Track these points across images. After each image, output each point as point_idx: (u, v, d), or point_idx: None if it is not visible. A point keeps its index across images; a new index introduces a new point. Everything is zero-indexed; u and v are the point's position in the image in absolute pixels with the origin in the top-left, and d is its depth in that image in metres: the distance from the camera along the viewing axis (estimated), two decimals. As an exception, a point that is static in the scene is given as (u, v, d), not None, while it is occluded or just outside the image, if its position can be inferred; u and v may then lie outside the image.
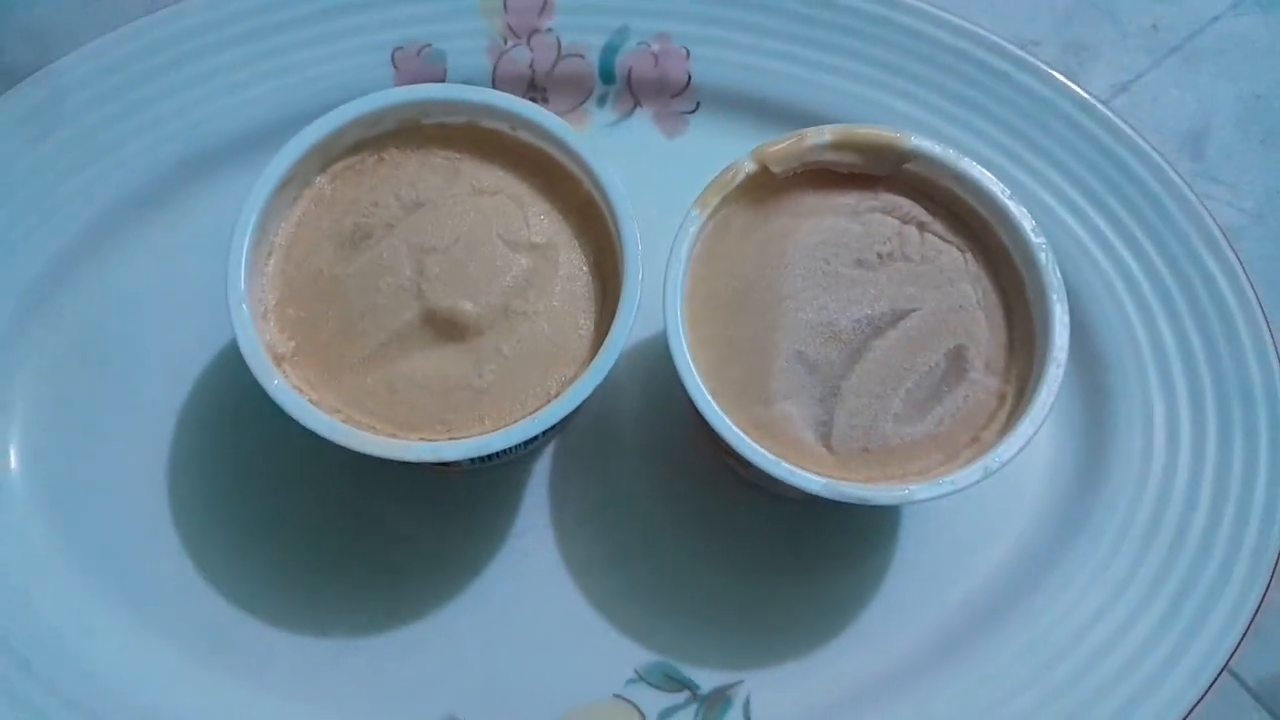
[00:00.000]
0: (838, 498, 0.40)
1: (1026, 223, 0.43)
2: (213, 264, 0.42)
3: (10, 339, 0.48)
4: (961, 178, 0.44)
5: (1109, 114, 0.52)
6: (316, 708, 0.44)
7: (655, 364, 0.47)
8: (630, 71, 0.54)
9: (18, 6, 0.56)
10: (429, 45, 0.53)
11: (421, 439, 0.41)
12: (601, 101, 0.54)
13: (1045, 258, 0.43)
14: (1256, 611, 0.46)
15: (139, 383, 0.48)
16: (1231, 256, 0.50)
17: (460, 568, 0.47)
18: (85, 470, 0.47)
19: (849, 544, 0.48)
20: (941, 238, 0.45)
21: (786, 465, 0.40)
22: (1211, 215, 0.51)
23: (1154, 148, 0.52)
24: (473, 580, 0.46)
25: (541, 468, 0.48)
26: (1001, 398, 0.43)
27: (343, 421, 0.40)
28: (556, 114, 0.45)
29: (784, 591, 0.47)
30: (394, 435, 0.41)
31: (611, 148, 0.46)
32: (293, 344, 0.42)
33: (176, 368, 0.49)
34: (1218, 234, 0.50)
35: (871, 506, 0.47)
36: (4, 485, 0.47)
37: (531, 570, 0.47)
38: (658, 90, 0.54)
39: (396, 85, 0.51)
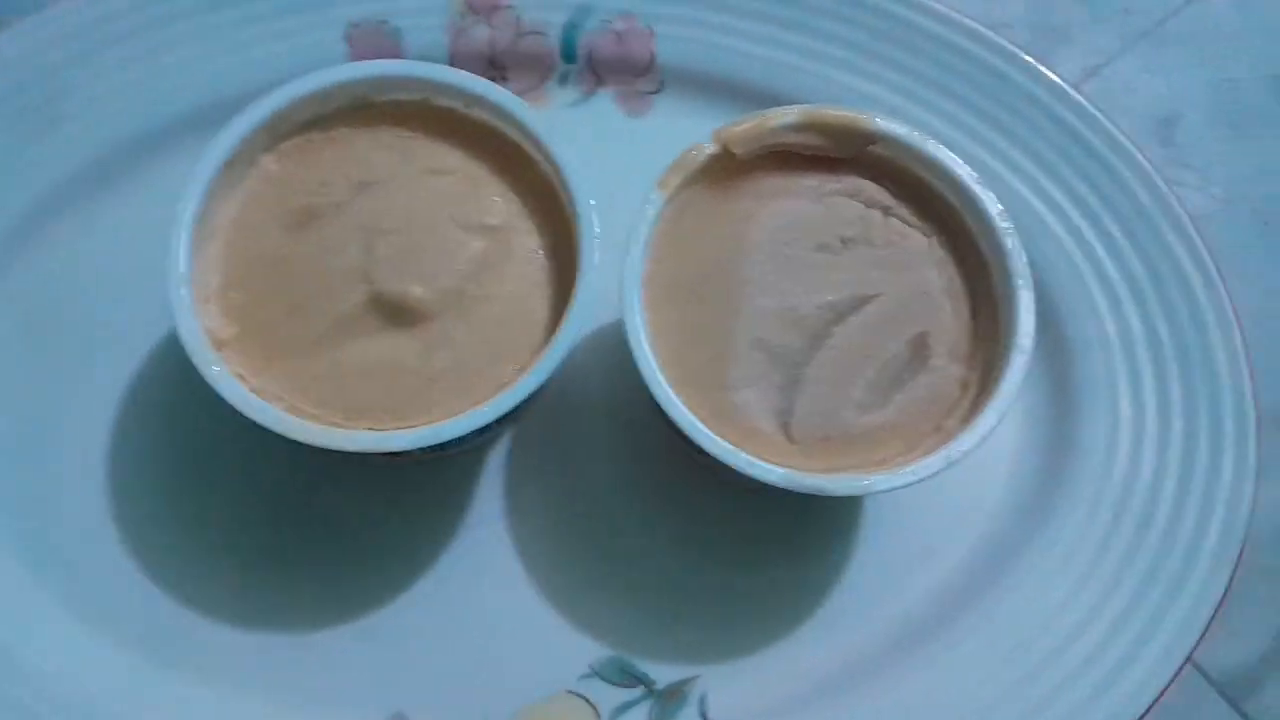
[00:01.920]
0: (797, 489, 0.39)
1: (993, 208, 0.43)
2: (158, 245, 0.41)
3: None
4: (928, 161, 0.43)
5: (1079, 98, 0.52)
6: (262, 704, 0.43)
7: (616, 350, 0.46)
8: (592, 50, 0.52)
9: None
10: (385, 22, 0.51)
11: (369, 428, 0.39)
12: (563, 80, 0.53)
13: (1012, 243, 0.42)
14: (1220, 603, 0.46)
15: (81, 366, 0.47)
16: (1199, 244, 0.50)
17: (411, 560, 0.46)
18: (23, 457, 0.46)
19: (810, 535, 0.47)
20: (906, 222, 0.44)
21: (745, 455, 0.39)
22: (1180, 201, 0.51)
23: (1124, 133, 0.51)
24: (424, 573, 0.45)
25: (497, 457, 0.47)
26: (965, 386, 0.42)
27: (286, 410, 0.39)
28: (516, 93, 0.43)
29: (743, 583, 0.46)
30: (339, 424, 0.39)
31: (572, 128, 0.45)
32: (235, 329, 0.40)
33: (121, 352, 0.47)
34: (1186, 221, 0.50)
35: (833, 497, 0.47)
36: None
37: (485, 563, 0.45)
38: (620, 69, 0.53)
39: (352, 61, 0.50)
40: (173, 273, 0.39)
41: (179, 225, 0.40)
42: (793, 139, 0.44)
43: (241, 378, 0.39)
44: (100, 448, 0.46)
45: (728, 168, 0.44)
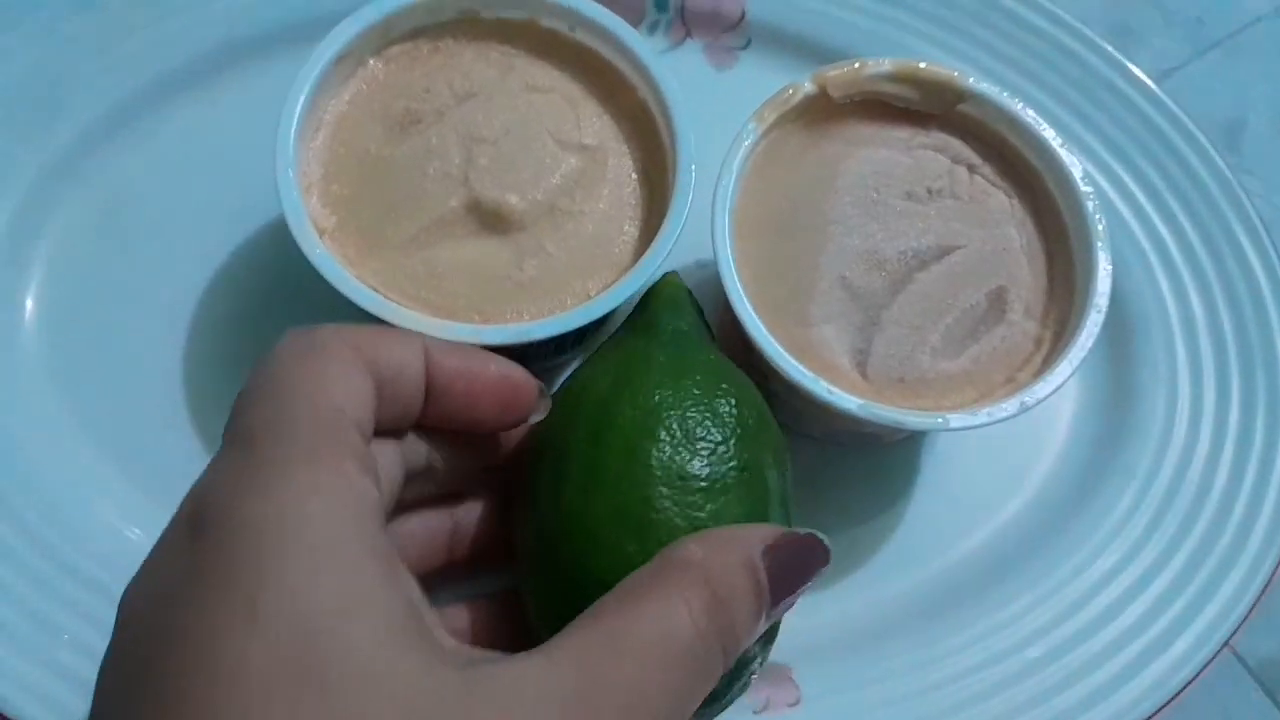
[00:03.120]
0: (874, 419, 0.39)
1: (1076, 171, 0.43)
2: (249, 145, 0.41)
3: (39, 196, 0.47)
4: (1014, 122, 0.44)
5: (1160, 93, 0.53)
6: None
7: (693, 283, 0.47)
8: (685, 2, 0.53)
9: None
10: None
11: (456, 323, 0.40)
12: (653, 29, 0.54)
13: (1092, 206, 0.43)
14: (1264, 590, 0.46)
15: (163, 253, 0.47)
16: (1269, 245, 0.50)
17: None
18: (99, 335, 0.46)
19: (864, 488, 0.48)
20: (990, 181, 0.45)
21: (825, 383, 0.40)
22: (1251, 200, 0.52)
23: (1197, 127, 0.53)
24: None
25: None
26: (1039, 342, 0.43)
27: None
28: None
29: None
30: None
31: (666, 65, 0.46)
32: (335, 219, 0.41)
33: (204, 241, 0.48)
34: (1257, 222, 0.51)
35: (893, 449, 0.48)
36: (17, 344, 0.46)
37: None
38: (711, 23, 0.54)
39: None
40: (282, 156, 0.40)
41: (289, 113, 0.40)
42: (886, 89, 0.45)
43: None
44: (174, 334, 0.47)
45: (822, 110, 0.44)
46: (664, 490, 0.34)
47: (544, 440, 0.37)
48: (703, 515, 0.34)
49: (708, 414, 0.36)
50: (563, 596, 0.34)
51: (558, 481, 0.35)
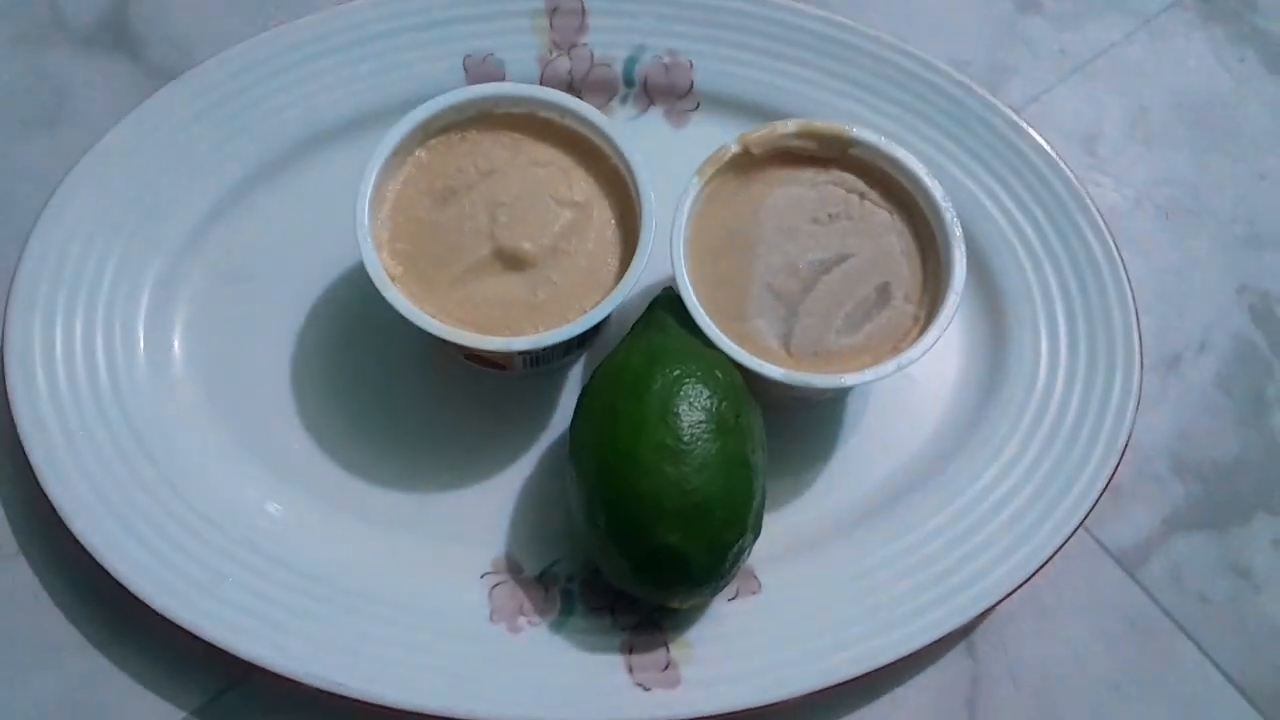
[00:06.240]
0: (794, 383, 0.54)
1: (938, 192, 0.58)
2: (330, 215, 0.58)
3: (174, 269, 0.61)
4: (892, 160, 0.59)
5: (1015, 117, 0.66)
6: (395, 536, 0.58)
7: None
8: (646, 78, 0.68)
9: (165, 20, 0.71)
10: (492, 54, 0.67)
11: (493, 337, 0.55)
12: (624, 100, 0.68)
13: (950, 217, 0.57)
14: (1107, 485, 0.59)
15: (273, 299, 0.62)
16: (1101, 223, 0.63)
17: (513, 446, 0.61)
18: (231, 364, 0.61)
19: (803, 436, 0.61)
20: (876, 204, 0.59)
21: (758, 360, 0.55)
22: (1091, 196, 0.66)
23: (1049, 144, 0.65)
24: (523, 456, 0.60)
25: (574, 375, 0.63)
26: (916, 319, 0.57)
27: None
28: (590, 108, 0.59)
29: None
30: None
31: (631, 136, 0.57)
32: (401, 269, 0.57)
33: (302, 289, 0.62)
34: (1091, 206, 0.64)
35: (822, 406, 0.63)
36: (171, 374, 0.60)
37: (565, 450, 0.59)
38: (667, 92, 0.67)
39: (468, 84, 0.66)
40: (360, 226, 0.55)
41: (362, 193, 0.55)
42: (794, 143, 0.59)
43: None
44: (287, 358, 0.61)
45: (748, 162, 0.59)
46: (685, 431, 0.51)
47: (592, 400, 0.54)
48: (712, 447, 0.51)
49: (710, 380, 0.52)
50: (620, 506, 0.51)
51: (610, 427, 0.52)
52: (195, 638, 0.54)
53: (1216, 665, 0.60)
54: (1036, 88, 0.73)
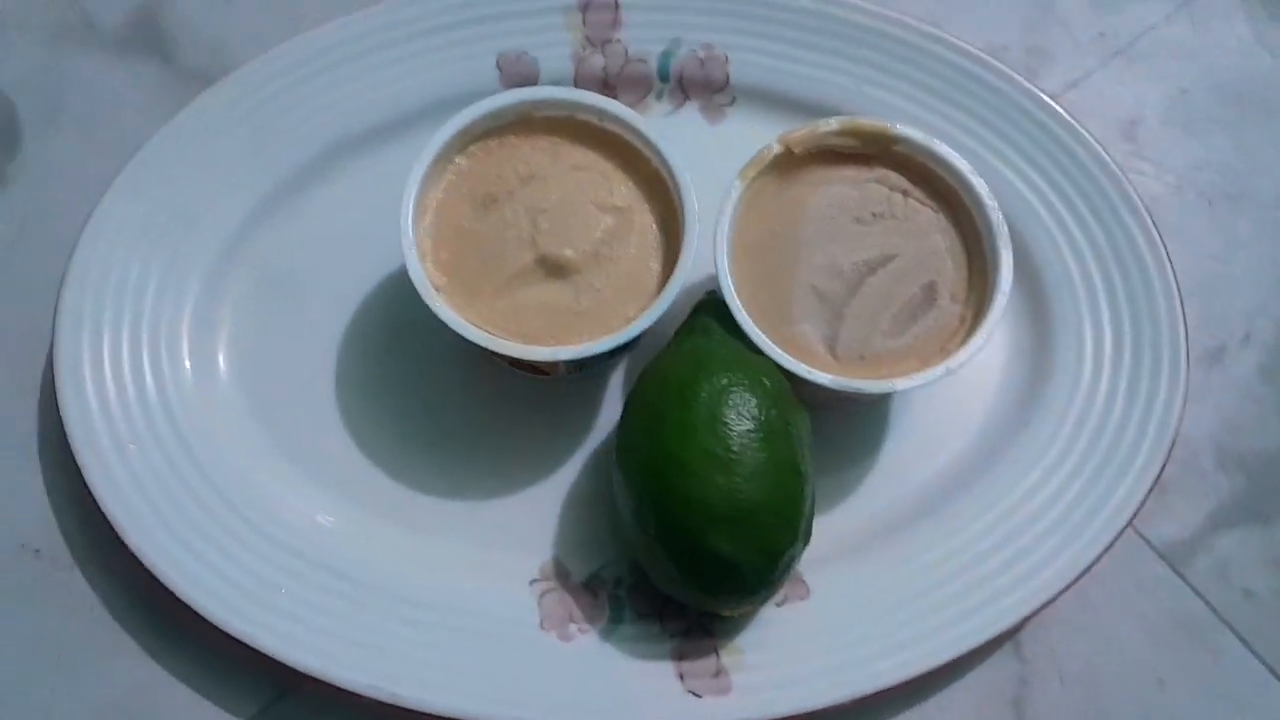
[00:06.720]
0: (842, 389, 0.54)
1: (984, 190, 0.57)
2: (371, 219, 0.59)
3: (217, 276, 0.62)
4: (935, 157, 0.58)
5: (1055, 106, 0.65)
6: (443, 543, 0.59)
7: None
8: (682, 73, 0.67)
9: (203, 23, 0.70)
10: (525, 53, 0.67)
11: (539, 347, 0.55)
12: (659, 96, 0.67)
13: (996, 216, 0.57)
14: (1154, 484, 0.59)
15: (315, 306, 0.62)
16: (1145, 216, 0.63)
17: (557, 449, 0.61)
18: (277, 374, 0.61)
19: (850, 439, 0.61)
20: (920, 202, 0.59)
21: (804, 366, 0.55)
22: (1133, 185, 0.64)
23: (1090, 132, 0.65)
24: (567, 459, 0.61)
25: (616, 377, 0.63)
26: (963, 320, 0.57)
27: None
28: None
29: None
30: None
31: (667, 133, 0.57)
32: (445, 279, 0.57)
33: (344, 296, 0.62)
34: (1135, 198, 0.63)
35: (869, 408, 0.62)
36: (217, 385, 0.61)
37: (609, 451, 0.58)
38: (703, 87, 0.67)
39: (501, 84, 0.65)
40: (405, 237, 0.55)
41: (406, 204, 0.55)
42: (836, 141, 0.59)
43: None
44: (330, 367, 0.62)
45: (788, 162, 0.59)
46: (735, 440, 0.51)
47: (639, 406, 0.54)
48: (763, 455, 0.51)
49: (756, 388, 0.52)
50: (666, 511, 0.51)
51: (656, 430, 0.52)
52: (247, 647, 0.55)
53: (1262, 661, 0.60)
54: (1075, 73, 0.72)
